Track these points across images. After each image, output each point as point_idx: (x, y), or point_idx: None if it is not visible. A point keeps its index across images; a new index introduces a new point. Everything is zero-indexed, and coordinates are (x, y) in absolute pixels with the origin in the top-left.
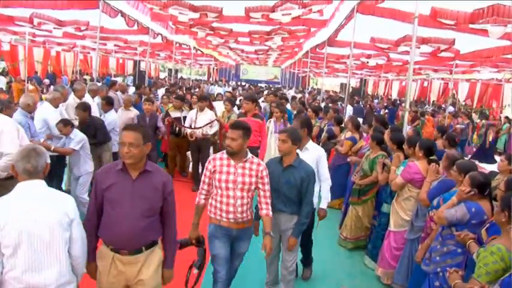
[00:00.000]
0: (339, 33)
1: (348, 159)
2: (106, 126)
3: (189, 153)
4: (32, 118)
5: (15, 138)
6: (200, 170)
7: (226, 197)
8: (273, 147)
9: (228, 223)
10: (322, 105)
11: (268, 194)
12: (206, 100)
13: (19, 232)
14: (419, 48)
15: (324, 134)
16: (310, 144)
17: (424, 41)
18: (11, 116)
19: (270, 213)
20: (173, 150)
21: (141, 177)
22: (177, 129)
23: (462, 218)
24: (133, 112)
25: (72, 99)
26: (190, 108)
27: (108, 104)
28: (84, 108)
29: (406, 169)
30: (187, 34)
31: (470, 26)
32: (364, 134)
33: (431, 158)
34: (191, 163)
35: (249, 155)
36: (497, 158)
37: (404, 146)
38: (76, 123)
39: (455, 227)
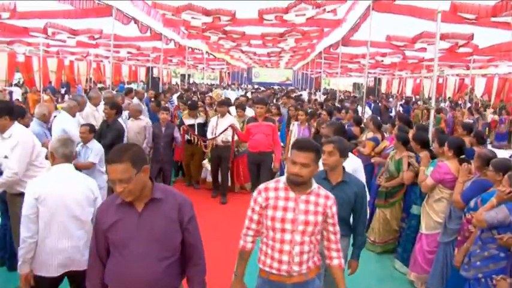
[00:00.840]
0: (353, 33)
1: (372, 160)
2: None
3: (204, 162)
4: (49, 128)
5: (26, 157)
6: (220, 180)
7: (280, 242)
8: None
9: (279, 277)
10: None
11: (339, 236)
12: (226, 105)
13: (55, 204)
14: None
15: None
16: None
17: (442, 36)
18: (27, 126)
19: (343, 262)
20: (188, 158)
21: (149, 207)
22: (192, 138)
23: (504, 220)
24: (145, 121)
25: (89, 108)
26: (206, 113)
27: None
28: (113, 105)
29: (436, 169)
30: (200, 39)
31: (492, 19)
32: (386, 134)
33: (461, 157)
34: (206, 172)
35: (315, 184)
36: None
37: (435, 145)
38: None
39: (496, 229)
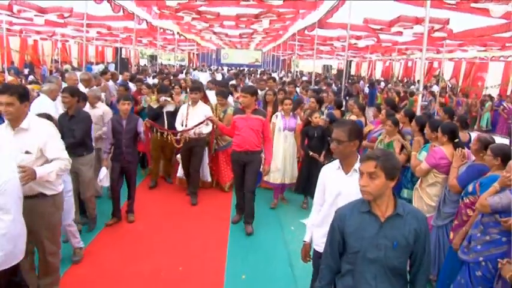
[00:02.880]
0: (328, 15)
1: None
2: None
3: (178, 156)
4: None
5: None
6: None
7: None
8: (281, 148)
9: None
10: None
11: None
12: (200, 91)
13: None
14: (412, 28)
15: (325, 118)
16: None
17: (418, 20)
18: None
19: None
20: (156, 151)
21: None
22: (159, 132)
23: (508, 206)
24: (102, 109)
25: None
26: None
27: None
28: (72, 92)
29: (431, 154)
30: (172, 19)
31: (472, 5)
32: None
33: (455, 141)
34: (179, 166)
35: None
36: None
37: (427, 131)
38: None
39: (499, 214)
